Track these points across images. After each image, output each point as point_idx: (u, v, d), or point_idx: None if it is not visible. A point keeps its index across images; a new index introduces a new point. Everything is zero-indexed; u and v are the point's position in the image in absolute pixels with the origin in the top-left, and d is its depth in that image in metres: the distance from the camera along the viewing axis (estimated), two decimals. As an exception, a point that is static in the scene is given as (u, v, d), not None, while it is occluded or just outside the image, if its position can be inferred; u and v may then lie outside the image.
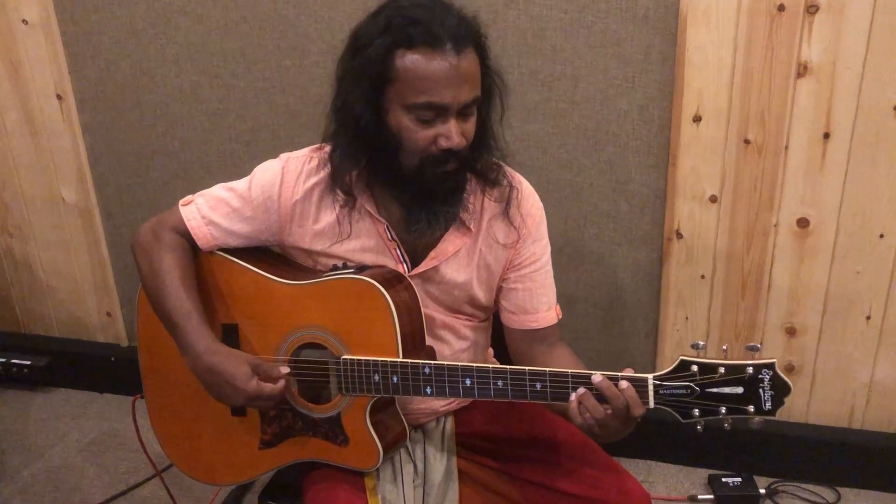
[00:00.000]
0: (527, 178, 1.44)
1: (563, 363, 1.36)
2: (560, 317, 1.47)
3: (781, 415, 2.10)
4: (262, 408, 1.35)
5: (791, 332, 2.06)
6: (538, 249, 1.43)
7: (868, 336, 2.03)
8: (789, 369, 2.10)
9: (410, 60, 1.19)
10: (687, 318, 2.12)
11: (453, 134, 1.22)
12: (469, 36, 1.21)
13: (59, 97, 2.39)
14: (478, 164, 1.33)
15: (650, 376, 1.17)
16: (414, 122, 1.22)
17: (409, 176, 1.27)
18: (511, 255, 1.41)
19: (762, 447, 2.17)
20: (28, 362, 2.69)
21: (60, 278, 2.68)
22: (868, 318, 2.01)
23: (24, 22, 2.32)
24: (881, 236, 1.92)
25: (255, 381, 1.29)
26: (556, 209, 2.10)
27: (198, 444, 1.50)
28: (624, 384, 1.16)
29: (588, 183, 2.06)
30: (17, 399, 2.70)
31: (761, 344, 1.18)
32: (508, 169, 1.40)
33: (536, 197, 1.44)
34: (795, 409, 2.15)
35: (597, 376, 1.18)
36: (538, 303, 1.43)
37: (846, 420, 2.13)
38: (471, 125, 1.26)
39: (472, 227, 1.37)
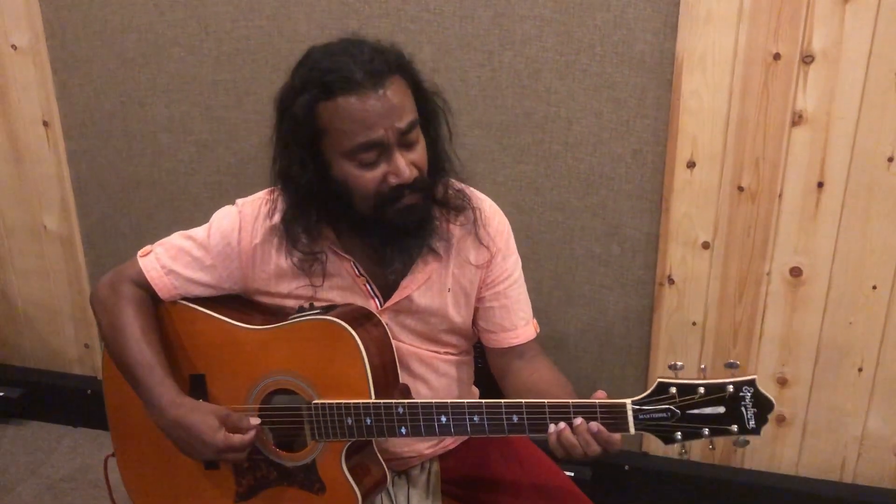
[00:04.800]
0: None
1: (543, 378, 1.36)
2: (538, 331, 1.45)
3: (771, 467, 2.12)
4: (233, 460, 1.30)
5: (782, 382, 2.03)
6: (510, 265, 1.41)
7: (860, 388, 2.00)
8: (780, 420, 2.07)
9: (333, 109, 1.18)
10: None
11: (401, 168, 1.20)
12: (386, 66, 1.19)
13: (45, 124, 2.36)
14: (438, 193, 1.30)
15: (628, 401, 1.14)
16: (358, 168, 1.21)
17: (370, 218, 1.25)
18: (483, 274, 1.39)
19: (751, 499, 2.12)
20: (1, 394, 2.62)
21: (38, 308, 2.62)
22: (860, 369, 1.98)
23: (13, 47, 2.29)
24: (874, 287, 1.90)
25: (223, 432, 1.25)
26: (547, 251, 2.07)
27: (170, 501, 1.45)
28: (594, 427, 1.15)
29: (580, 226, 2.04)
30: (-13, 431, 2.62)
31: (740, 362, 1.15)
32: (469, 190, 1.37)
33: (501, 213, 1.42)
34: (785, 462, 2.11)
35: (572, 423, 1.17)
36: (516, 318, 1.42)
37: (837, 473, 2.09)
38: (419, 153, 1.24)
39: (441, 252, 1.34)
